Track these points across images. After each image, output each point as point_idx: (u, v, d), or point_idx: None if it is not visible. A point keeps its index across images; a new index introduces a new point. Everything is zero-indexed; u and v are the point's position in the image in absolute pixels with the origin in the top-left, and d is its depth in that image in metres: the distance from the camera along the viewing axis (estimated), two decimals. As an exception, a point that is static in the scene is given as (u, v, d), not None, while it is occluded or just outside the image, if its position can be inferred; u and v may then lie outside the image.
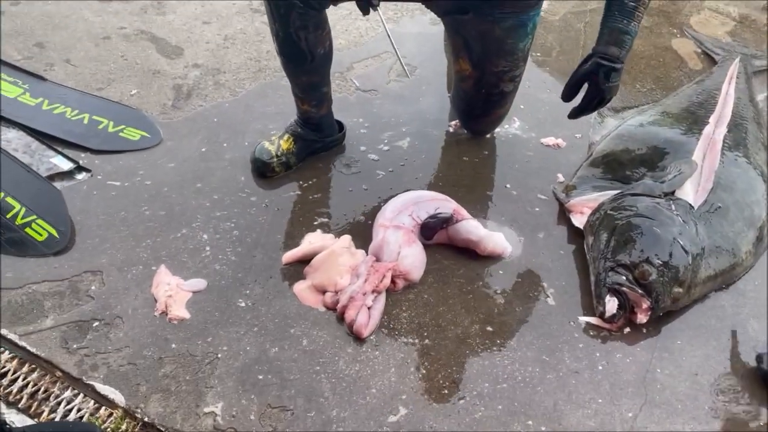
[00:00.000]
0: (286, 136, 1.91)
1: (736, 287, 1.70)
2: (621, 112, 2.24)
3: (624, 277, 1.54)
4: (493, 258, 1.72)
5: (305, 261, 1.65)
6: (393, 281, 1.60)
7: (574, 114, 1.69)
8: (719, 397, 1.45)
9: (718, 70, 2.42)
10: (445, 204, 1.75)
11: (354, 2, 1.58)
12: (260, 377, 1.41)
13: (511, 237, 1.78)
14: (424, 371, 1.45)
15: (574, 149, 2.12)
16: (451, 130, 2.17)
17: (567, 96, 1.66)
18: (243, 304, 1.56)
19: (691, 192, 1.72)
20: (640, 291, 1.51)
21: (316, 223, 1.79)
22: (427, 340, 1.52)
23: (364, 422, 1.35)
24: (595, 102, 1.62)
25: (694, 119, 2.02)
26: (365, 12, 1.60)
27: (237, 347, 1.47)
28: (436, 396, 1.41)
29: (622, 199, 1.71)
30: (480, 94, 1.91)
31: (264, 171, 1.89)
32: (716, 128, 1.94)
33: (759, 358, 1.50)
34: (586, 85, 1.62)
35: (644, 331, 1.58)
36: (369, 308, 1.52)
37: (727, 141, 1.90)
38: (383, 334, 1.52)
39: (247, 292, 1.59)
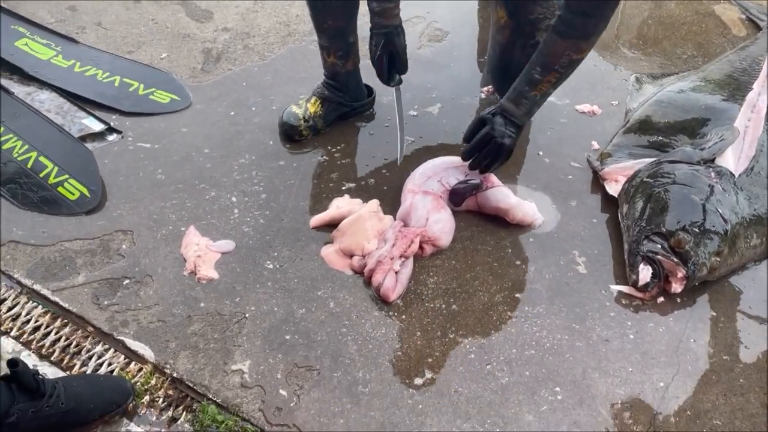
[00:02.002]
0: (313, 99, 1.89)
1: (776, 259, 1.65)
2: (660, 79, 2.16)
3: (659, 246, 1.50)
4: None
5: (332, 225, 1.65)
6: (421, 247, 1.59)
7: (466, 153, 1.68)
8: (755, 370, 1.41)
9: (762, 37, 2.31)
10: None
11: None
12: (287, 337, 1.42)
13: (544, 203, 1.74)
14: (451, 336, 1.44)
15: (609, 116, 2.06)
16: (483, 96, 2.13)
17: (466, 138, 1.68)
18: (271, 266, 1.56)
19: (732, 159, 1.66)
20: (675, 259, 1.47)
21: (344, 187, 1.77)
22: (454, 306, 1.50)
23: (389, 384, 1.34)
24: (486, 148, 1.63)
25: (737, 86, 1.94)
26: (386, 83, 1.73)
27: (264, 308, 1.47)
28: (463, 361, 1.40)
29: (660, 166, 1.65)
30: (516, 46, 1.87)
31: (291, 134, 1.88)
32: (760, 95, 1.86)
33: None
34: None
35: (678, 300, 1.54)
36: (396, 273, 1.51)
37: (772, 108, 1.83)
38: (410, 299, 1.51)
39: (275, 254, 1.59)
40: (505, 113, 1.62)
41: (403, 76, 1.77)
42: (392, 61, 1.68)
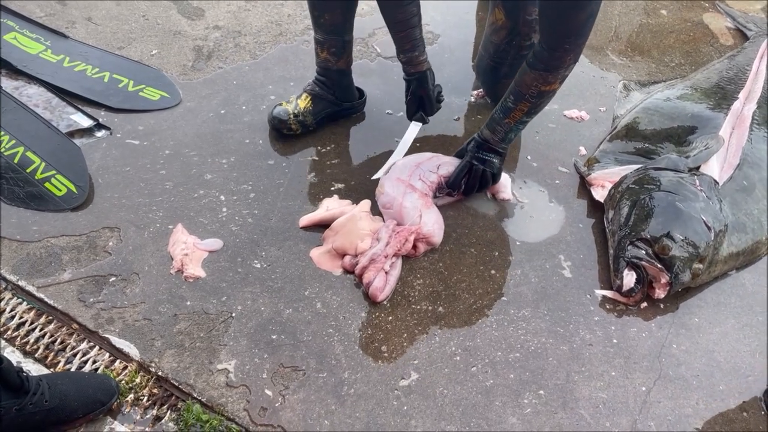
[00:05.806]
0: (303, 95, 1.90)
1: (757, 266, 1.67)
2: (647, 86, 2.18)
3: (644, 251, 1.52)
4: (507, 224, 1.71)
5: (321, 225, 1.65)
6: (414, 245, 1.60)
7: (450, 184, 1.74)
8: (735, 375, 1.44)
9: (749, 46, 2.35)
10: (442, 159, 1.77)
11: None
12: (273, 337, 1.42)
13: (532, 189, 1.78)
14: (437, 338, 1.45)
15: (597, 122, 2.08)
16: (472, 99, 2.14)
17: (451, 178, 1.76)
18: (258, 266, 1.57)
19: (716, 168, 1.68)
20: (659, 265, 1.49)
21: (333, 188, 1.78)
22: (440, 308, 1.51)
23: (375, 385, 1.35)
24: (467, 169, 1.72)
25: (723, 94, 1.96)
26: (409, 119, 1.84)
27: (251, 307, 1.47)
28: (448, 363, 1.41)
29: (645, 172, 1.67)
30: (511, 47, 1.90)
31: (280, 128, 1.88)
32: (745, 104, 1.89)
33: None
34: None
35: (661, 306, 1.56)
36: (386, 273, 1.52)
37: (756, 117, 1.85)
38: (397, 301, 1.52)
39: (263, 253, 1.59)
40: (481, 138, 1.71)
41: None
42: (422, 103, 1.77)
